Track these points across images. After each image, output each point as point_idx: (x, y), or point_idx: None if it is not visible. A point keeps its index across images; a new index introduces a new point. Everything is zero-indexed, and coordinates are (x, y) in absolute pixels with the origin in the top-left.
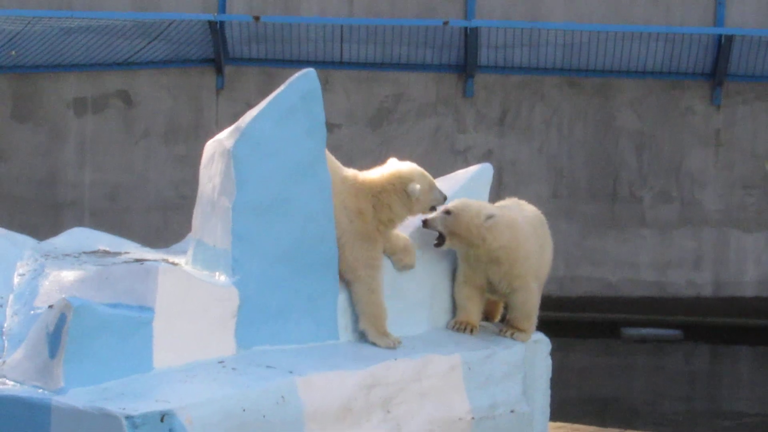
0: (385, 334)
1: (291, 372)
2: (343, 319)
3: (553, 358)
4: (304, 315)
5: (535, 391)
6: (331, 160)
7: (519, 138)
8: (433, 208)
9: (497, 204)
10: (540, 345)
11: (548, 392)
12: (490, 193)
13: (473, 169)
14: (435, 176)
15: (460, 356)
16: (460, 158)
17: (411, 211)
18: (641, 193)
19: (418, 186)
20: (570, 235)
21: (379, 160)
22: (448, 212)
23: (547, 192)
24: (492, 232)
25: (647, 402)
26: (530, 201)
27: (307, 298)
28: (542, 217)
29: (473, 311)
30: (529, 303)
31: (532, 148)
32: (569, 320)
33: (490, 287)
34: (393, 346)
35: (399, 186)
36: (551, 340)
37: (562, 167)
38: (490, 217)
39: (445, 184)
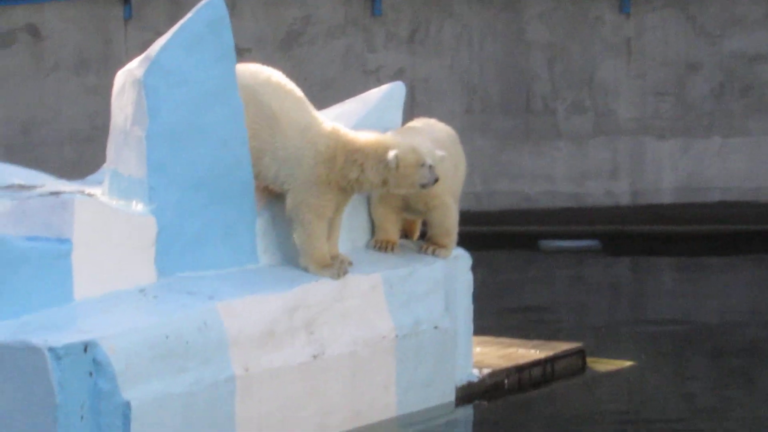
0: (327, 266)
1: (212, 298)
2: (263, 243)
3: (474, 273)
4: (223, 240)
5: (457, 307)
6: (307, 105)
7: (430, 55)
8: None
9: (408, 125)
10: (461, 260)
11: (471, 307)
12: (404, 112)
13: (385, 88)
14: (347, 97)
15: (380, 275)
16: (372, 78)
17: (387, 183)
18: (555, 105)
19: (394, 153)
20: (485, 150)
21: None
22: None
23: (460, 108)
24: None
25: (570, 312)
26: (444, 118)
27: (225, 223)
28: (454, 135)
29: (392, 230)
30: (449, 219)
31: (444, 64)
32: (488, 234)
33: (407, 207)
34: (339, 275)
35: (380, 151)
36: (471, 255)
37: (474, 83)
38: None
39: (358, 105)
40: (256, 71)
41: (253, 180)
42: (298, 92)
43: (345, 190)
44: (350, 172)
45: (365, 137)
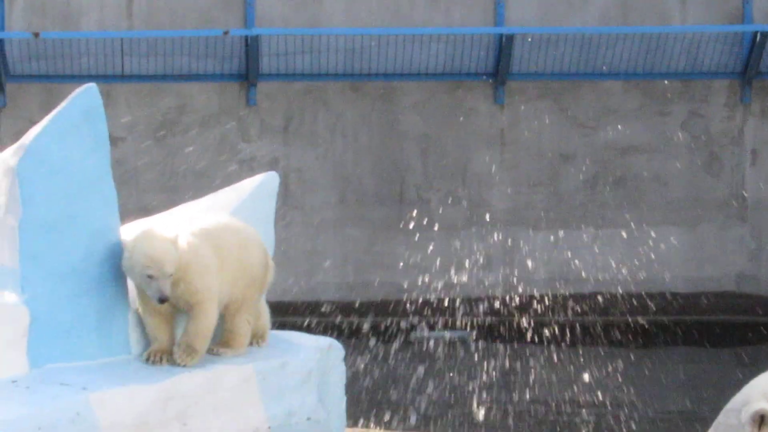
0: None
1: (85, 389)
2: (135, 333)
3: (346, 364)
4: (96, 331)
5: (330, 398)
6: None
7: (304, 145)
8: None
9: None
10: (333, 351)
11: (344, 398)
12: (278, 202)
13: (259, 178)
14: (221, 187)
15: (253, 366)
16: (246, 167)
17: None
18: (428, 196)
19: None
20: (359, 240)
21: (165, 173)
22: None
23: (334, 198)
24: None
25: (443, 404)
26: (317, 208)
27: (98, 313)
28: (237, 229)
29: (165, 339)
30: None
31: (317, 154)
32: (361, 325)
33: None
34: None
35: None
36: (344, 346)
37: (348, 173)
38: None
39: (231, 194)
40: None
41: None
42: None
43: None
44: None
45: None
